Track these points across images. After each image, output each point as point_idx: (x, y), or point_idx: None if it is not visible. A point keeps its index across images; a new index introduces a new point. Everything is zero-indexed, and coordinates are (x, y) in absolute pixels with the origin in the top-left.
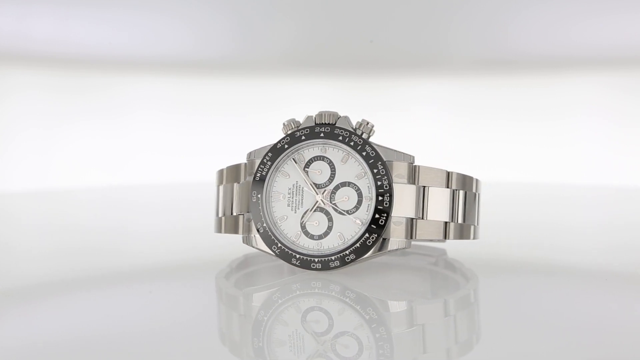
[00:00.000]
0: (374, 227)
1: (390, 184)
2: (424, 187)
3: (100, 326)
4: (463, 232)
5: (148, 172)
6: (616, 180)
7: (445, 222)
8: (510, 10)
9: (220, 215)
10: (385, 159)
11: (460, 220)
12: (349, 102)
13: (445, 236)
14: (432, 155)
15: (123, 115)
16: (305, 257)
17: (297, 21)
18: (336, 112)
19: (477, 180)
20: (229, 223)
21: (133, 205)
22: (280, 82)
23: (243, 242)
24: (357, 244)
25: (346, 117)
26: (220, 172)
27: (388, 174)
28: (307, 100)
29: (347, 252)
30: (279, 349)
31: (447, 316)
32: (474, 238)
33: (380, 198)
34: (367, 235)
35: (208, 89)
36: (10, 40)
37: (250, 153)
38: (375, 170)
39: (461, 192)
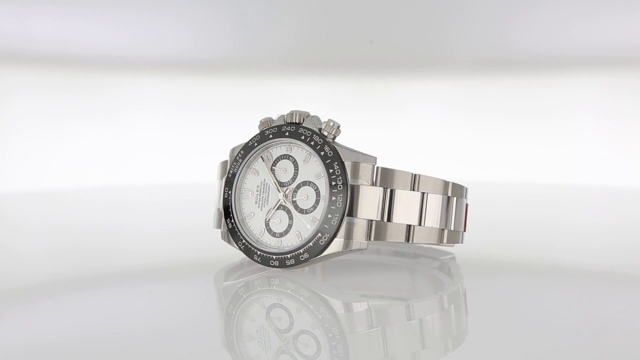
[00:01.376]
0: (326, 227)
1: (345, 185)
2: (388, 189)
3: (100, 326)
4: (432, 236)
5: (148, 172)
6: (616, 180)
7: (409, 225)
8: (510, 11)
9: (215, 209)
10: (353, 161)
11: (430, 224)
12: (349, 102)
13: (408, 239)
14: (432, 156)
15: (123, 115)
16: (265, 254)
17: (297, 22)
18: (306, 112)
19: (453, 184)
20: (218, 218)
21: (133, 205)
22: (281, 82)
23: (221, 237)
24: (311, 243)
25: (315, 117)
26: (218, 167)
27: (344, 175)
28: (307, 100)
29: (301, 250)
30: (249, 344)
31: (410, 320)
32: (447, 243)
33: (333, 198)
34: (319, 234)
35: (209, 89)
36: (10, 40)
37: (232, 149)
38: (330, 171)
39: (432, 196)
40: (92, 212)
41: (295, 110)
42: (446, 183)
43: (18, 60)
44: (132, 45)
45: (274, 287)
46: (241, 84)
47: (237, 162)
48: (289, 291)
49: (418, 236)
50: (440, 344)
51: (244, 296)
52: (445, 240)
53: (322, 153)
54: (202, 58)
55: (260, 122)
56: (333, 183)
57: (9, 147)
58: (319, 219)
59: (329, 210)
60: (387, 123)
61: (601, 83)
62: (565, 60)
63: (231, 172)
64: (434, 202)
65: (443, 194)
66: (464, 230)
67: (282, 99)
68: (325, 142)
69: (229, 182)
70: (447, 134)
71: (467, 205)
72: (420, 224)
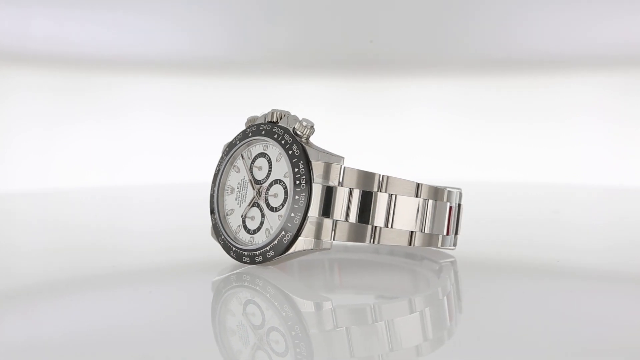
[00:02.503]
0: (289, 225)
1: (309, 184)
2: (354, 189)
3: (99, 324)
4: (401, 238)
5: (148, 172)
6: (616, 180)
7: (375, 227)
8: (509, 12)
9: None
10: (325, 162)
11: (399, 226)
12: (349, 102)
13: (373, 240)
14: (432, 156)
15: (123, 116)
16: (239, 251)
17: (297, 21)
18: (285, 111)
19: (428, 186)
20: None
21: (133, 205)
22: (281, 82)
23: (210, 233)
24: (275, 241)
25: (292, 116)
26: None
27: (308, 175)
28: (307, 100)
29: (267, 248)
30: (232, 338)
31: (376, 321)
32: (420, 245)
33: (296, 197)
34: (283, 233)
35: (208, 89)
36: (10, 41)
37: (224, 146)
38: (296, 170)
39: (402, 198)
40: (92, 212)
41: (275, 109)
42: (418, 185)
43: (18, 60)
44: (133, 45)
45: (246, 284)
46: (242, 84)
47: (222, 159)
48: (257, 288)
49: (385, 238)
50: (410, 347)
51: (223, 291)
52: (415, 243)
53: (290, 152)
54: (202, 58)
55: (247, 119)
56: (297, 182)
57: (9, 147)
58: (283, 216)
59: (292, 209)
60: (386, 123)
61: (601, 83)
62: (565, 60)
63: (217, 168)
64: (403, 204)
65: (415, 196)
66: (448, 233)
67: (282, 98)
68: (295, 142)
69: (214, 178)
70: (447, 134)
71: (451, 208)
72: (387, 226)
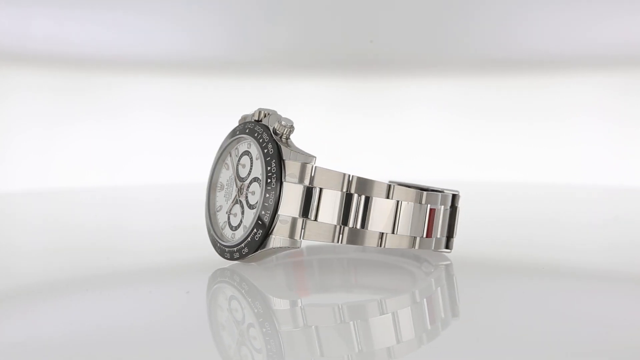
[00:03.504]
0: (260, 223)
1: (278, 183)
2: (325, 189)
3: (99, 324)
4: (370, 240)
5: (148, 172)
6: (616, 180)
7: (343, 227)
8: (510, 12)
9: None
10: (302, 162)
11: (364, 226)
12: (349, 102)
13: (340, 239)
14: (432, 156)
15: (123, 116)
16: (222, 247)
17: (298, 21)
18: (269, 110)
19: (396, 187)
20: None
21: (132, 205)
22: (282, 81)
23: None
24: (249, 238)
25: (274, 115)
26: None
27: (280, 174)
28: (307, 100)
29: (243, 244)
30: (223, 333)
31: (345, 321)
32: (387, 246)
33: (267, 195)
34: (254, 230)
35: (209, 89)
36: (10, 41)
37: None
38: (268, 168)
39: (364, 198)
40: (92, 212)
41: (262, 108)
42: (389, 186)
43: (18, 60)
44: (133, 45)
45: (226, 279)
46: (242, 84)
47: (215, 157)
48: (235, 283)
49: (353, 238)
50: (380, 348)
51: (212, 286)
52: (387, 244)
53: (265, 151)
54: (202, 58)
55: (241, 117)
56: (268, 180)
57: (9, 147)
58: (255, 214)
59: (263, 207)
60: (386, 123)
61: (601, 83)
62: (565, 60)
63: (212, 166)
64: (373, 205)
65: (386, 198)
66: (429, 235)
67: (282, 98)
68: (271, 140)
69: (209, 175)
70: (447, 134)
71: (433, 210)
72: (355, 226)
